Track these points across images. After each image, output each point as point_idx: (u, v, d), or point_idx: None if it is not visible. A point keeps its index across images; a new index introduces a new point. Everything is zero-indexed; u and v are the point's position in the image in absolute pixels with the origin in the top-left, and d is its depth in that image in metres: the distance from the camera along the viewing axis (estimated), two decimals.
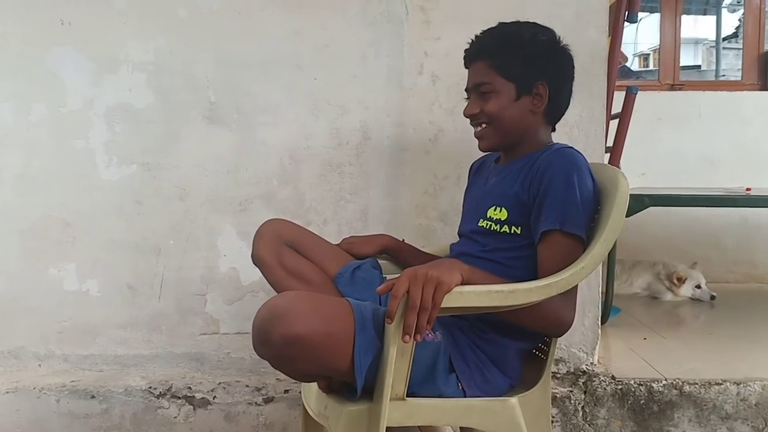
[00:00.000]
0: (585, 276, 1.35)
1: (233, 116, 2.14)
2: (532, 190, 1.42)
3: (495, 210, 1.49)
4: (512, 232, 1.46)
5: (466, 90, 1.57)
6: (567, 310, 1.39)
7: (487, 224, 1.49)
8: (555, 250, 1.38)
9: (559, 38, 1.54)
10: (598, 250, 1.36)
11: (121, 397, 2.09)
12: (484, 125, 1.54)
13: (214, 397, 2.10)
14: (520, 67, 1.49)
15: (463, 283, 1.24)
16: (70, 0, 2.11)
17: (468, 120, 1.57)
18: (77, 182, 2.15)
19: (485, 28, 1.56)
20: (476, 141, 1.58)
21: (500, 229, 1.47)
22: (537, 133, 1.54)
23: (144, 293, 2.17)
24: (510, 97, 1.49)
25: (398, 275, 1.24)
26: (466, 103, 1.57)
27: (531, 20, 1.57)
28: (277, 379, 2.10)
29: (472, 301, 1.26)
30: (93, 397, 2.09)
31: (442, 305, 1.21)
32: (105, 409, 2.09)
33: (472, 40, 1.55)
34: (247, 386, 2.11)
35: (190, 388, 2.10)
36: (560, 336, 1.45)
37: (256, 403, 2.09)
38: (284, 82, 2.13)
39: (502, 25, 1.55)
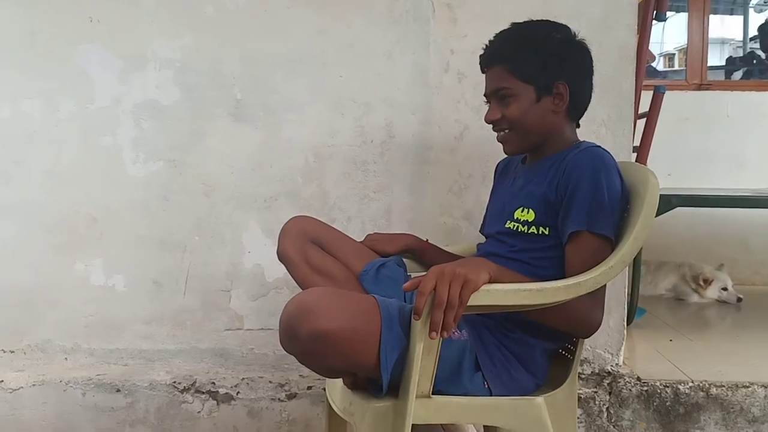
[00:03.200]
0: (614, 276, 1.34)
1: (259, 114, 2.15)
2: (560, 191, 1.41)
3: (522, 211, 1.47)
4: (540, 233, 1.45)
5: (485, 95, 1.56)
6: (595, 310, 1.37)
7: (514, 226, 1.48)
8: (583, 251, 1.37)
9: (575, 34, 1.52)
10: (628, 249, 1.34)
11: (146, 391, 2.11)
12: (506, 130, 1.52)
13: (238, 392, 2.11)
14: (537, 68, 1.47)
15: (490, 282, 1.24)
16: None
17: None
18: (104, 178, 2.17)
19: (498, 31, 1.54)
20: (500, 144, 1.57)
21: (528, 230, 1.46)
22: (561, 132, 1.53)
23: (169, 289, 2.19)
24: (530, 100, 1.48)
25: (424, 273, 1.24)
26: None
27: (558, 18, 1.56)
28: (301, 375, 2.11)
29: (500, 300, 1.25)
30: (118, 390, 2.10)
31: (469, 303, 1.21)
32: (130, 402, 2.11)
33: (486, 44, 1.54)
34: (270, 382, 2.11)
35: (213, 383, 2.11)
36: (588, 337, 1.43)
37: (279, 399, 2.10)
38: (309, 80, 2.13)
39: (515, 27, 1.53)
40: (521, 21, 1.55)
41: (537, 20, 1.55)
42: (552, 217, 1.42)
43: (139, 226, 2.17)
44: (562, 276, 1.36)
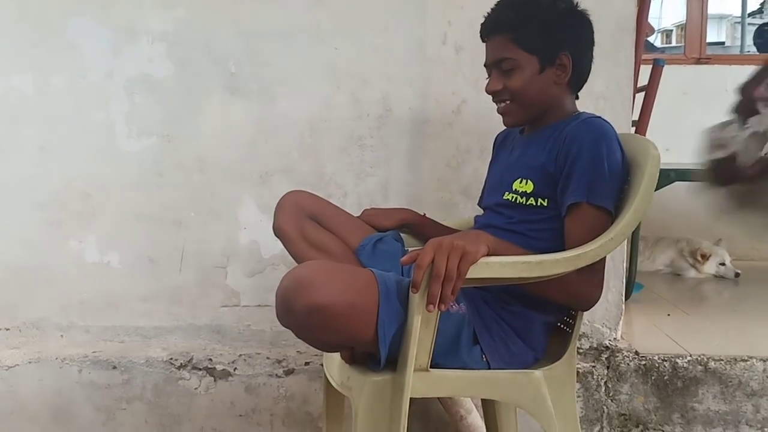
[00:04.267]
0: (614, 247, 1.33)
1: (253, 88, 2.12)
2: (559, 161, 1.39)
3: (521, 182, 1.45)
4: (538, 204, 1.43)
5: (485, 65, 1.53)
6: (594, 283, 1.37)
7: (512, 197, 1.46)
8: (582, 223, 1.35)
9: (577, 3, 1.50)
10: (628, 221, 1.33)
11: (143, 368, 2.10)
12: (507, 102, 1.50)
13: (235, 368, 2.10)
14: (541, 38, 1.44)
15: (489, 254, 1.22)
16: None
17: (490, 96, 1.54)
18: (97, 154, 2.14)
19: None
20: (500, 116, 1.55)
21: (526, 201, 1.44)
22: (562, 103, 1.51)
23: (165, 265, 2.17)
24: (534, 71, 1.45)
25: (422, 247, 1.22)
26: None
27: None
28: (298, 351, 2.10)
29: (498, 272, 1.24)
30: (115, 367, 2.10)
31: (468, 276, 1.19)
32: (126, 379, 2.10)
33: (489, 12, 1.50)
34: (267, 358, 2.10)
35: (210, 359, 2.11)
36: (587, 310, 1.42)
37: (276, 375, 2.09)
38: (305, 52, 2.10)
39: None
40: None
41: None
42: (551, 188, 1.41)
43: (133, 202, 2.15)
44: (561, 248, 1.34)
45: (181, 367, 2.10)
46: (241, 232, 2.16)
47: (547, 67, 1.46)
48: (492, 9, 1.50)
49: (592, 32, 1.52)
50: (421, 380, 1.28)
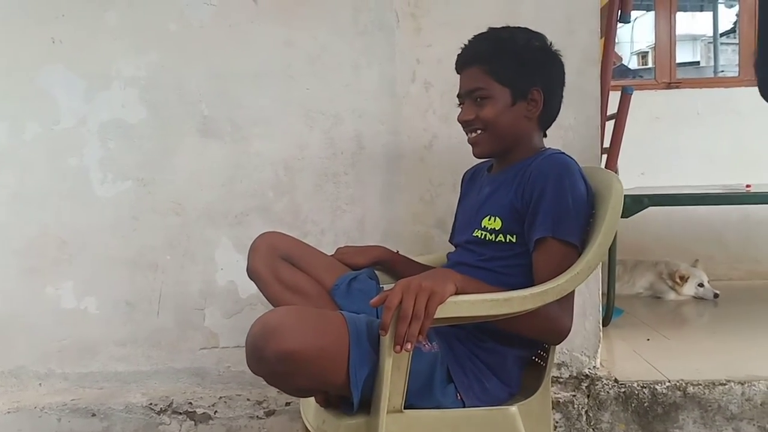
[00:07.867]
0: (581, 282, 1.34)
1: (227, 129, 2.13)
2: (525, 198, 1.41)
3: (489, 220, 1.47)
4: (507, 240, 1.44)
5: (458, 96, 1.56)
6: (564, 316, 1.38)
7: (482, 234, 1.48)
8: (549, 258, 1.37)
9: (551, 44, 1.53)
10: (593, 255, 1.35)
11: (122, 414, 2.08)
12: (479, 131, 1.52)
13: (216, 411, 2.09)
14: (515, 72, 1.47)
15: (457, 293, 1.23)
16: (60, 18, 2.11)
17: (461, 125, 1.56)
18: (72, 200, 2.15)
19: (476, 34, 1.54)
20: (471, 146, 1.57)
21: (495, 238, 1.46)
22: (530, 139, 1.53)
23: (142, 309, 2.17)
24: (506, 103, 1.48)
25: (391, 287, 1.23)
26: (459, 110, 1.55)
27: (522, 24, 1.56)
28: (278, 392, 2.08)
29: (467, 311, 1.25)
30: (94, 415, 2.08)
31: (437, 315, 1.20)
32: (106, 427, 2.08)
33: (465, 45, 1.54)
34: (248, 400, 2.10)
35: (191, 403, 2.09)
36: (558, 343, 1.43)
37: (257, 416, 2.08)
38: (277, 93, 2.12)
39: (494, 31, 1.54)
40: (499, 27, 1.55)
41: (515, 27, 1.55)
42: (519, 224, 1.42)
43: (109, 247, 2.15)
44: (532, 283, 1.36)
45: (161, 412, 2.08)
46: (218, 273, 2.16)
47: (519, 100, 1.48)
48: (469, 41, 1.53)
49: (564, 72, 1.56)
50: (396, 422, 1.27)
